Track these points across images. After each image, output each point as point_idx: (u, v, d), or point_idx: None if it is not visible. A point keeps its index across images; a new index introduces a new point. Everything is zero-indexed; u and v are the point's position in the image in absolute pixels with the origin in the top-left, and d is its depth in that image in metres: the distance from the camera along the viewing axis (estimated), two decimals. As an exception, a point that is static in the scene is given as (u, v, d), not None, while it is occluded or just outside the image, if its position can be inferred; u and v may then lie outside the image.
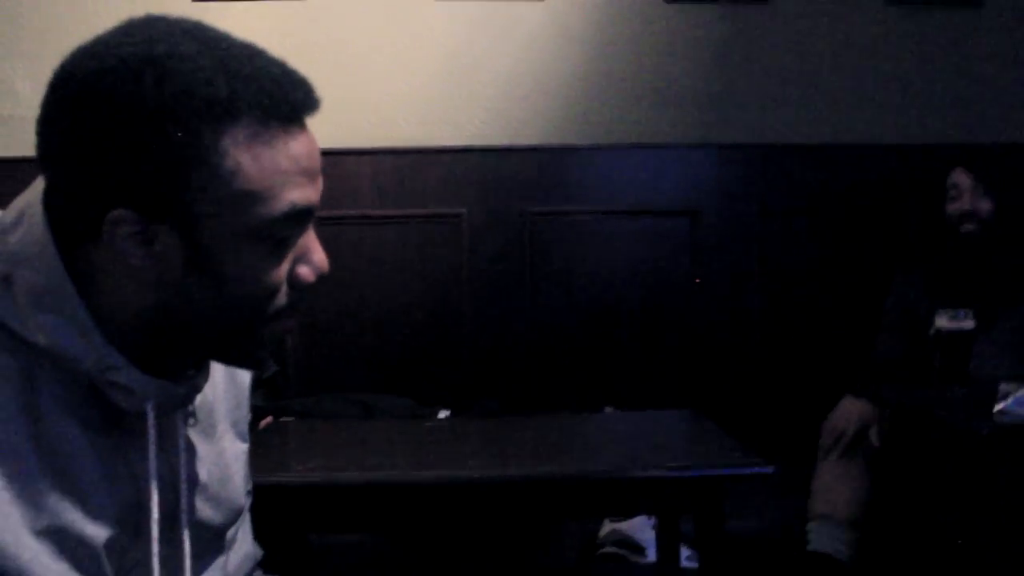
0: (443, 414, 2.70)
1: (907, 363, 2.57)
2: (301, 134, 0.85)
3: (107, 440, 0.86)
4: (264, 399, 2.70)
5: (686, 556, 2.38)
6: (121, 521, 0.86)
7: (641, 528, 2.61)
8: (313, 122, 0.89)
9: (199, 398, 0.97)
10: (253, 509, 1.17)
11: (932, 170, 2.78)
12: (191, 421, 0.96)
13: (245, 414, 1.10)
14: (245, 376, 1.10)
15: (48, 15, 3.02)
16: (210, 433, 1.02)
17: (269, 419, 2.49)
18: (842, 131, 3.18)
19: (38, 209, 0.84)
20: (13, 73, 2.99)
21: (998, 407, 1.95)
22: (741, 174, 3.18)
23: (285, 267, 0.87)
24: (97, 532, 0.83)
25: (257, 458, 1.71)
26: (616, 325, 3.15)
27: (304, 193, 0.85)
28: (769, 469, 1.65)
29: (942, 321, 2.35)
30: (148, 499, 0.87)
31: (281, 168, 0.83)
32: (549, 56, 3.15)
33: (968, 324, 2.32)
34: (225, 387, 1.06)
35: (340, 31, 3.08)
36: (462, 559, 2.44)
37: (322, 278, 0.91)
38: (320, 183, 0.89)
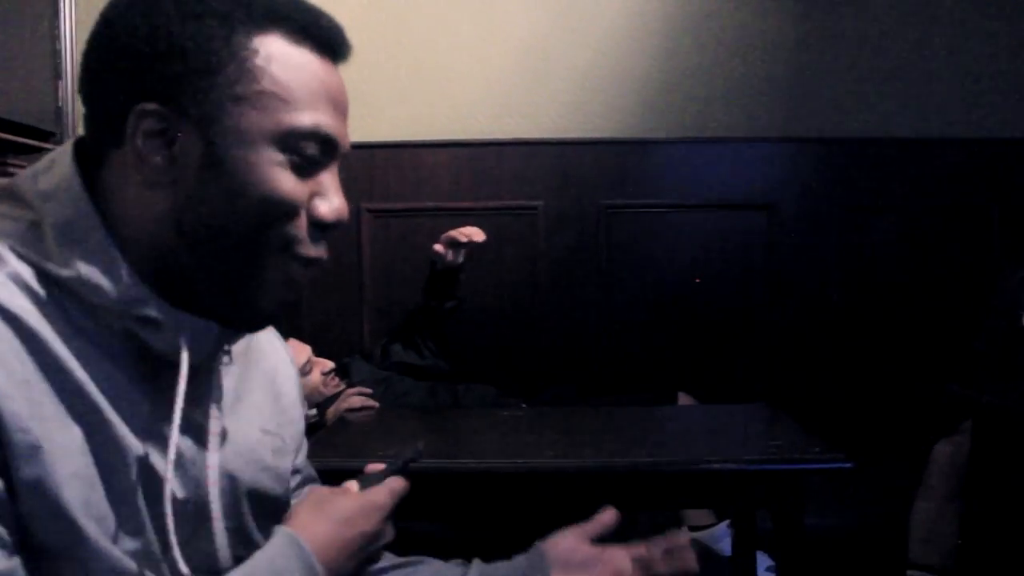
0: (525, 404, 2.71)
1: (1002, 359, 2.48)
2: (332, 68, 0.87)
3: (141, 386, 0.85)
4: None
5: (765, 567, 2.34)
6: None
7: (721, 537, 2.58)
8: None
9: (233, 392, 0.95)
10: None
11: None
12: (226, 360, 0.94)
13: (292, 430, 1.06)
14: (291, 390, 1.07)
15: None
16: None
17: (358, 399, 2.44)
18: (923, 125, 3.11)
19: (67, 149, 0.86)
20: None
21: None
22: (819, 168, 3.14)
23: (303, 191, 0.85)
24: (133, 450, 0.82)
25: (336, 446, 1.75)
26: (692, 319, 3.13)
27: (331, 121, 0.85)
28: (849, 464, 1.62)
29: (1028, 319, 2.27)
30: (167, 446, 0.84)
31: (309, 85, 0.84)
32: (626, 49, 3.14)
33: (1057, 321, 2.24)
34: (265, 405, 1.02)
35: (417, 25, 3.11)
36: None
37: (338, 225, 0.88)
38: (347, 128, 0.88)
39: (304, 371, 2.45)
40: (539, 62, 3.14)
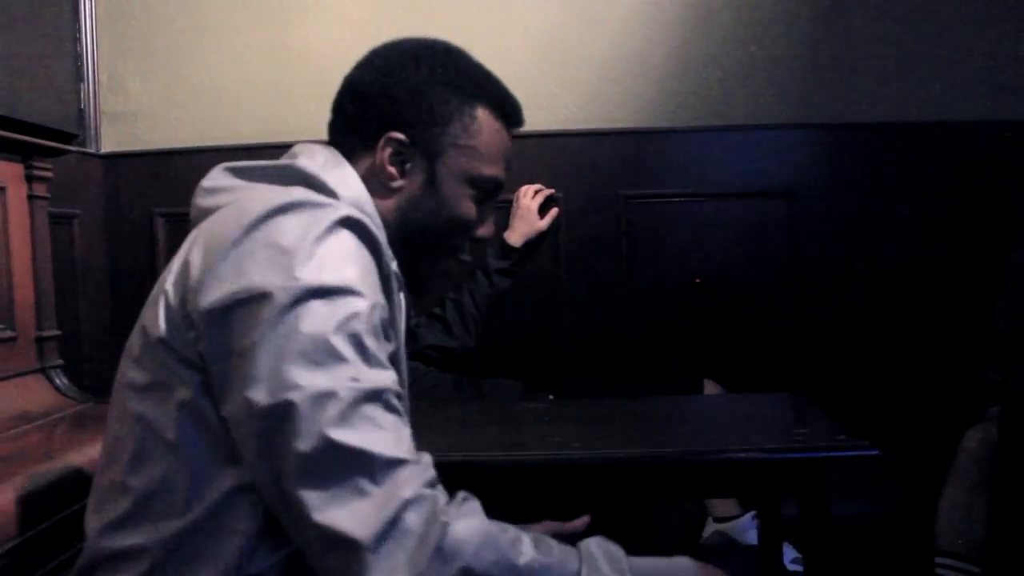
0: (552, 397, 2.71)
1: (1017, 339, 2.46)
2: (510, 135, 1.32)
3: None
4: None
5: (791, 559, 2.33)
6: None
7: (747, 529, 2.57)
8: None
9: None
10: None
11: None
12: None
13: None
14: None
15: (158, 15, 3.13)
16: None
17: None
18: (945, 109, 3.09)
19: (336, 153, 1.26)
20: (124, 71, 3.10)
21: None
22: (840, 154, 3.12)
23: (476, 215, 1.30)
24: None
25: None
26: (714, 309, 3.13)
27: (504, 174, 1.32)
28: (875, 452, 1.61)
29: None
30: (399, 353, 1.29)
31: (498, 148, 1.30)
32: (643, 38, 3.13)
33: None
34: None
35: (435, 17, 3.11)
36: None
37: (485, 240, 1.35)
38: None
39: None
40: (557, 53, 3.14)
